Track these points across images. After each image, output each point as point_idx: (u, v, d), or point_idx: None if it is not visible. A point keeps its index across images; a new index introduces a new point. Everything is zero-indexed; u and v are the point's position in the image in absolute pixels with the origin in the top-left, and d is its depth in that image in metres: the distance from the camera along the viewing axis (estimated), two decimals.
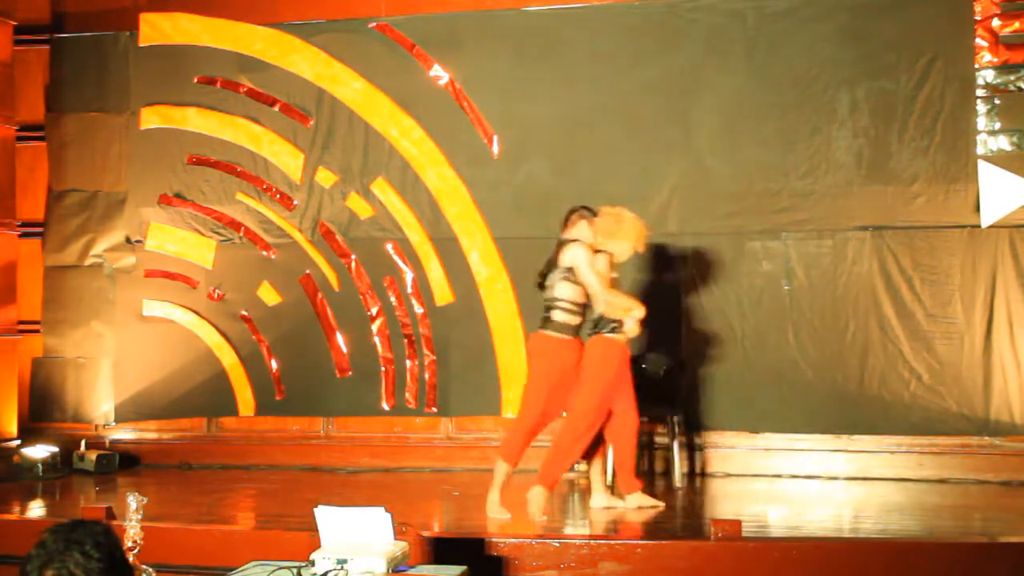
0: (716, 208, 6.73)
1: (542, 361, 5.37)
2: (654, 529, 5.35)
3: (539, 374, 5.37)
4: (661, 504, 5.50)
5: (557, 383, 5.32)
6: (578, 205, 5.54)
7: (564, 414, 5.45)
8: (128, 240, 7.54)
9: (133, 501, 3.55)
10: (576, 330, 5.37)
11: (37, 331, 7.59)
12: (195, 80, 7.44)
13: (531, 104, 6.95)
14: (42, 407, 7.52)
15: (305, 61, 7.29)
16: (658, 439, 6.70)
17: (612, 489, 5.62)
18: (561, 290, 5.34)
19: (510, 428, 5.64)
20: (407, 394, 7.09)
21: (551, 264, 5.40)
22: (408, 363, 7.11)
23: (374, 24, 7.23)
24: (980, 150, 6.39)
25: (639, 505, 5.47)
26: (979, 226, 6.37)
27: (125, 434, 7.47)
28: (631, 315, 5.32)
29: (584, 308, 5.39)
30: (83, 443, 7.20)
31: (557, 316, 5.34)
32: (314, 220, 7.28)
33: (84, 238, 7.58)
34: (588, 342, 5.42)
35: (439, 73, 7.13)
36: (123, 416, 7.46)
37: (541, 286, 5.46)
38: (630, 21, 6.91)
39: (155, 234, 7.48)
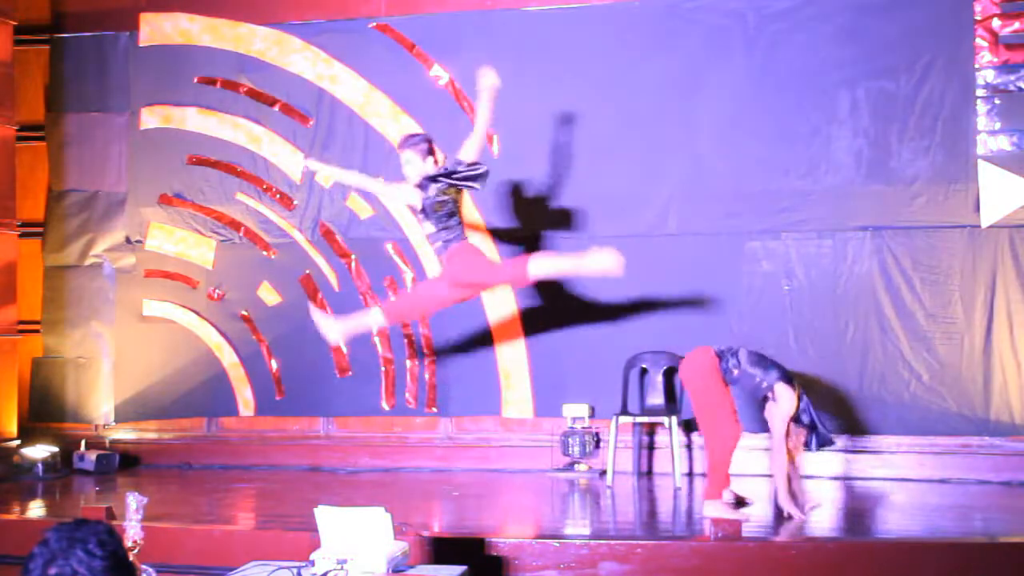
0: (716, 208, 6.72)
1: None
2: (654, 529, 5.36)
3: None
4: (745, 517, 5.24)
5: None
6: None
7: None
8: (128, 240, 7.54)
9: (133, 501, 3.56)
10: None
11: (37, 331, 7.60)
12: (195, 80, 7.45)
13: (531, 104, 6.95)
14: (42, 407, 7.53)
15: (305, 61, 7.29)
16: (658, 439, 6.70)
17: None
18: None
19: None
20: (407, 394, 7.09)
21: None
22: (408, 363, 7.11)
23: (374, 24, 7.23)
24: (980, 150, 6.39)
25: (711, 514, 5.19)
26: (979, 226, 6.36)
27: (125, 434, 7.47)
28: None
29: None
30: (83, 443, 7.21)
31: None
32: (314, 220, 7.28)
33: (84, 238, 7.58)
34: None
35: (439, 73, 7.13)
36: (123, 416, 7.47)
37: None
38: (630, 21, 6.91)
39: (155, 234, 7.48)
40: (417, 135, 5.67)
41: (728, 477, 5.26)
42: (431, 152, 5.45)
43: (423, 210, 5.40)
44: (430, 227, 5.44)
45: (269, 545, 4.57)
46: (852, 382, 6.50)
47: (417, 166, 5.39)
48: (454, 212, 5.38)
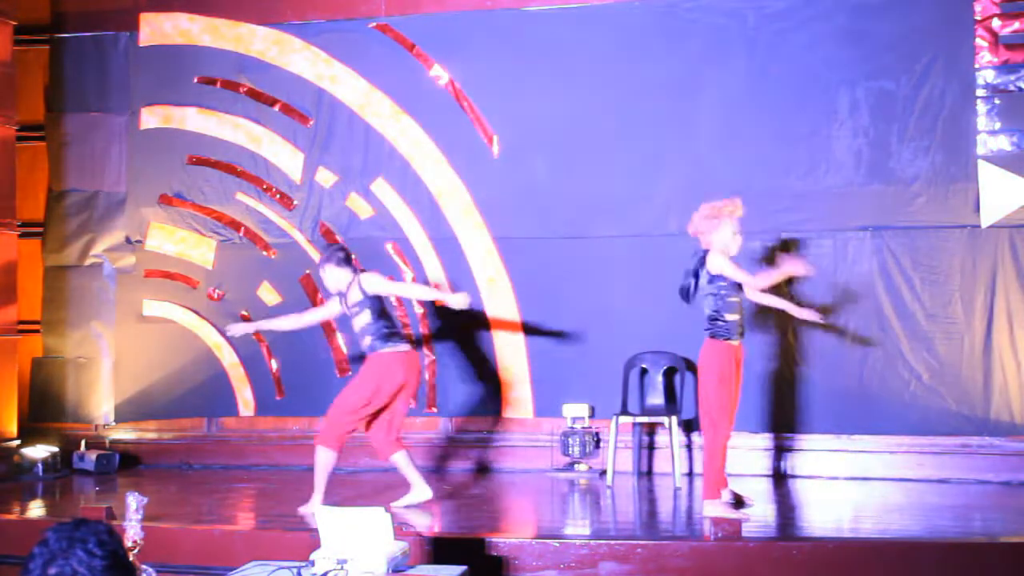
0: None
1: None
2: (654, 529, 5.36)
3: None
4: (745, 516, 5.15)
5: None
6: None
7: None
8: (128, 240, 7.54)
9: (133, 501, 3.56)
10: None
11: (37, 331, 7.59)
12: (195, 80, 7.45)
13: (531, 104, 6.95)
14: (42, 407, 7.52)
15: (305, 61, 7.29)
16: (658, 439, 6.70)
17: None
18: None
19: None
20: None
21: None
22: None
23: (374, 24, 7.23)
24: (980, 150, 6.39)
25: (711, 514, 5.04)
26: (979, 226, 6.36)
27: (125, 434, 7.47)
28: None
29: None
30: (83, 443, 7.21)
31: None
32: (314, 220, 7.28)
33: (84, 238, 7.58)
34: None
35: (439, 73, 7.13)
36: (123, 416, 7.47)
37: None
38: (630, 21, 6.91)
39: (155, 234, 7.48)
40: (331, 248, 5.76)
41: (725, 477, 5.26)
42: (348, 261, 5.58)
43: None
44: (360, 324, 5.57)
45: (269, 545, 4.57)
46: (852, 382, 6.50)
47: (337, 277, 5.54)
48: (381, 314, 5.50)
